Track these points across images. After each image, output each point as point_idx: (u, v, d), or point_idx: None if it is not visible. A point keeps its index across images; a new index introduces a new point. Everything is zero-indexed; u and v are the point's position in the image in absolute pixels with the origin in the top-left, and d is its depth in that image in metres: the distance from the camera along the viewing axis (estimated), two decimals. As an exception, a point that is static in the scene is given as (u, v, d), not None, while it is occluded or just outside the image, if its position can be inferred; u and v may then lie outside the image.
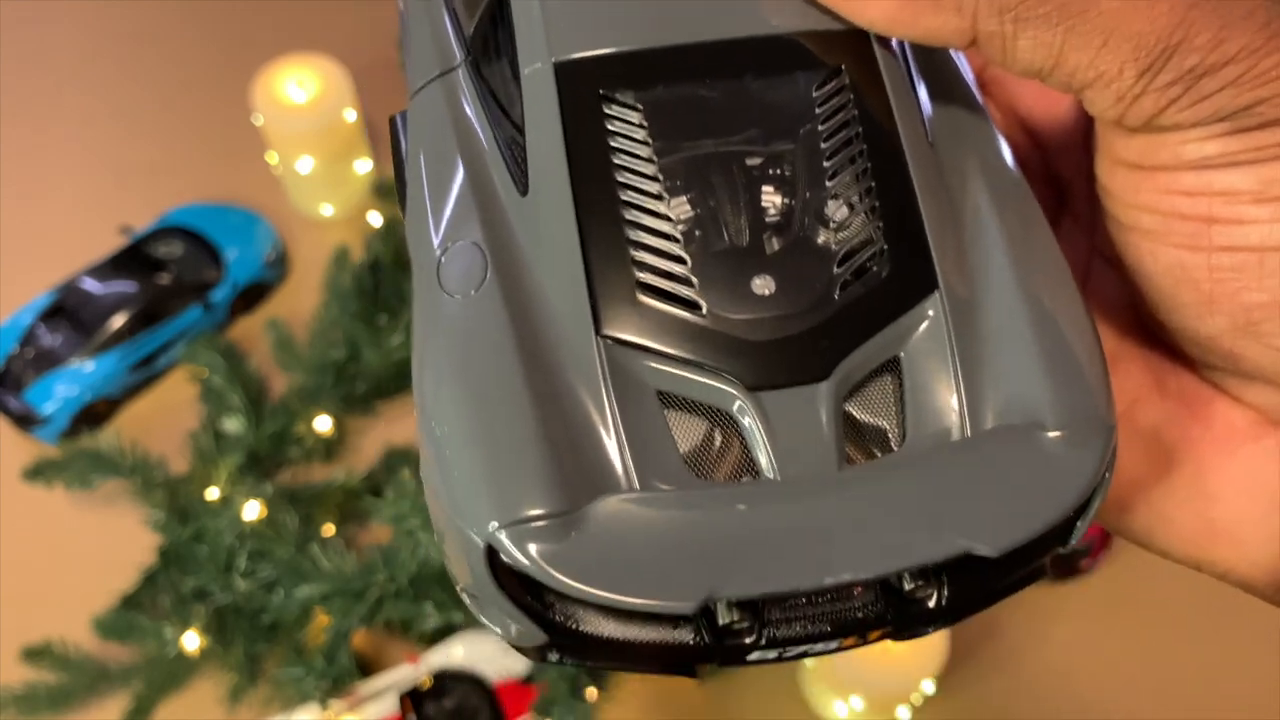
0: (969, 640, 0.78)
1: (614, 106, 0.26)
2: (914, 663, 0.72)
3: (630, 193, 0.25)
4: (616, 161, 0.26)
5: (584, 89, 0.26)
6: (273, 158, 1.01)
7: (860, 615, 0.23)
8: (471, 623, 0.81)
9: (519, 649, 0.25)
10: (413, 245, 0.26)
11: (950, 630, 0.73)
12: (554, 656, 0.24)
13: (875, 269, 0.25)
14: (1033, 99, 0.32)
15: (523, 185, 0.25)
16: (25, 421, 0.90)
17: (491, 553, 0.22)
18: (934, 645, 0.73)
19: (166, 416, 0.93)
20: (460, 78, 0.28)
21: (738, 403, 0.24)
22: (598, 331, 0.24)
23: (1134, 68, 0.23)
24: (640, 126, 0.26)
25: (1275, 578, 0.29)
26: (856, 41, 0.26)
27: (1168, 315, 0.28)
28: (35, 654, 0.80)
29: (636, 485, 0.23)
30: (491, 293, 0.24)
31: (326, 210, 1.05)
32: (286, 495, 0.86)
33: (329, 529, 0.87)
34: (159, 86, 1.14)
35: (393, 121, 0.28)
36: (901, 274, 0.25)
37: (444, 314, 0.24)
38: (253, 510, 0.83)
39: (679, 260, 0.25)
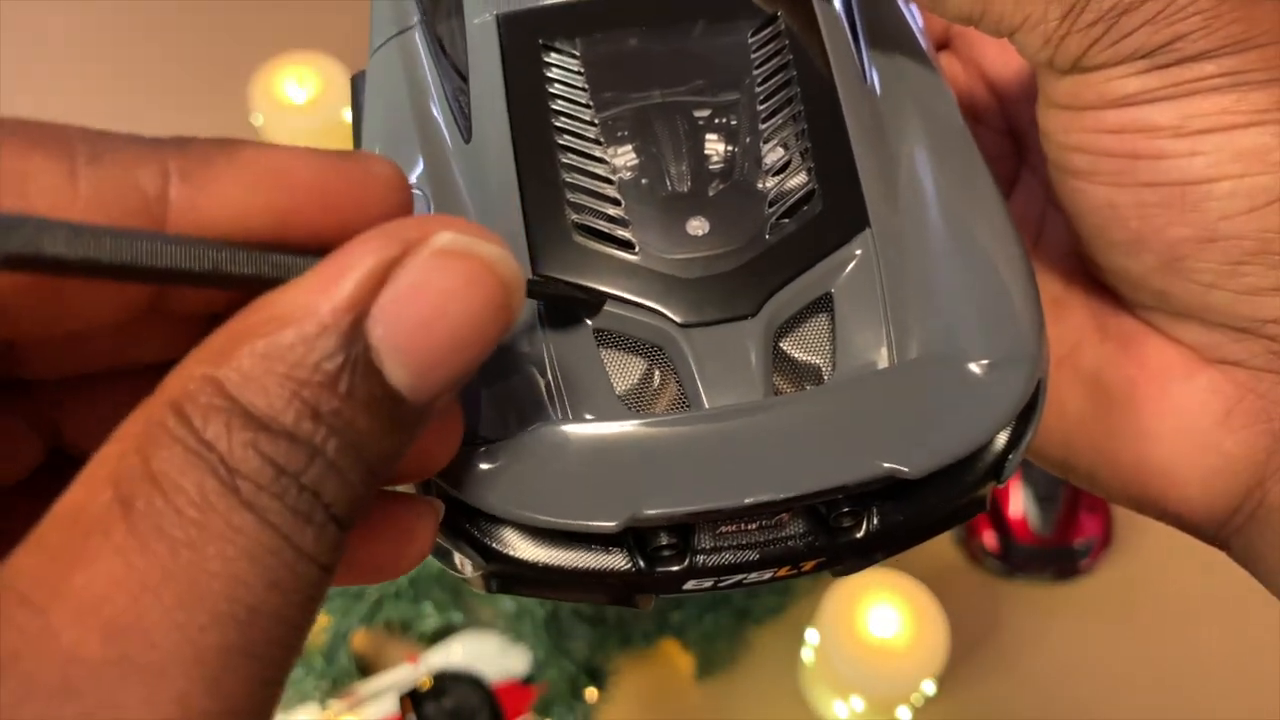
0: (969, 640, 0.78)
1: (554, 55, 0.27)
2: (914, 663, 0.72)
3: (568, 137, 0.26)
4: (555, 108, 0.27)
5: (526, 39, 0.27)
6: (272, 157, 1.01)
7: (790, 545, 0.24)
8: (471, 623, 0.81)
9: (467, 581, 0.26)
10: None
11: (950, 630, 0.73)
12: (495, 586, 0.25)
13: (806, 209, 0.26)
14: (994, 54, 0.33)
15: (466, 133, 0.26)
16: (24, 421, 0.90)
17: (426, 482, 0.23)
18: (934, 645, 0.73)
19: (166, 416, 0.93)
20: (415, 36, 0.29)
21: (670, 338, 0.24)
22: (535, 270, 0.24)
23: (1058, 8, 0.24)
24: (579, 74, 0.27)
25: (1209, 515, 0.29)
26: None
27: (1102, 255, 0.29)
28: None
29: (570, 418, 0.23)
30: None
31: (326, 210, 1.05)
32: (286, 495, 0.86)
33: (328, 529, 0.87)
34: (157, 85, 1.14)
35: (354, 80, 0.30)
36: (832, 213, 0.25)
37: None
38: (252, 510, 0.83)
39: (614, 202, 0.26)
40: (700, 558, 0.24)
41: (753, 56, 0.27)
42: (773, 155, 0.26)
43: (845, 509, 0.24)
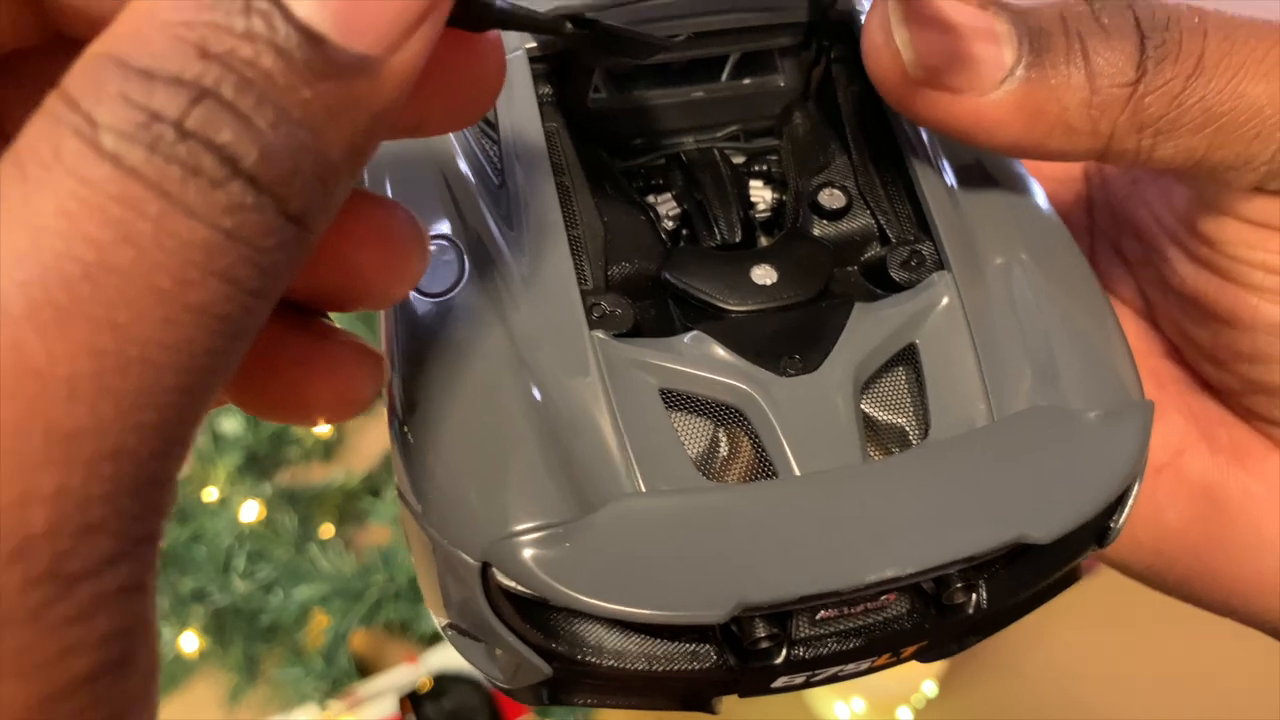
0: (969, 640, 0.78)
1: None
2: (914, 663, 0.72)
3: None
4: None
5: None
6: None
7: (896, 627, 0.21)
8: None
9: (509, 692, 0.22)
10: None
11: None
12: (548, 695, 0.22)
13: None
14: None
15: (498, 178, 0.23)
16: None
17: (486, 574, 0.20)
18: (934, 646, 0.73)
19: (165, 417, 0.93)
20: None
21: (748, 397, 0.21)
22: (592, 327, 0.21)
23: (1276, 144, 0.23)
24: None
25: None
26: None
27: (1253, 368, 0.28)
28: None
29: (642, 489, 0.20)
30: (471, 291, 0.22)
31: (325, 210, 1.05)
32: (285, 496, 0.86)
33: (328, 530, 0.86)
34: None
35: None
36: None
37: (420, 316, 0.22)
38: (251, 511, 0.83)
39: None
40: (799, 649, 0.21)
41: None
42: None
43: (959, 584, 0.21)
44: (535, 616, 0.20)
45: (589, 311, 0.22)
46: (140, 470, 0.14)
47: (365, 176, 0.24)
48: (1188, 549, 0.29)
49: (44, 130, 0.14)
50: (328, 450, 0.92)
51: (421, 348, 0.22)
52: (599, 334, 0.21)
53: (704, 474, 0.21)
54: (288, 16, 0.14)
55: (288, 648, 0.81)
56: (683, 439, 0.21)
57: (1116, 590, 0.84)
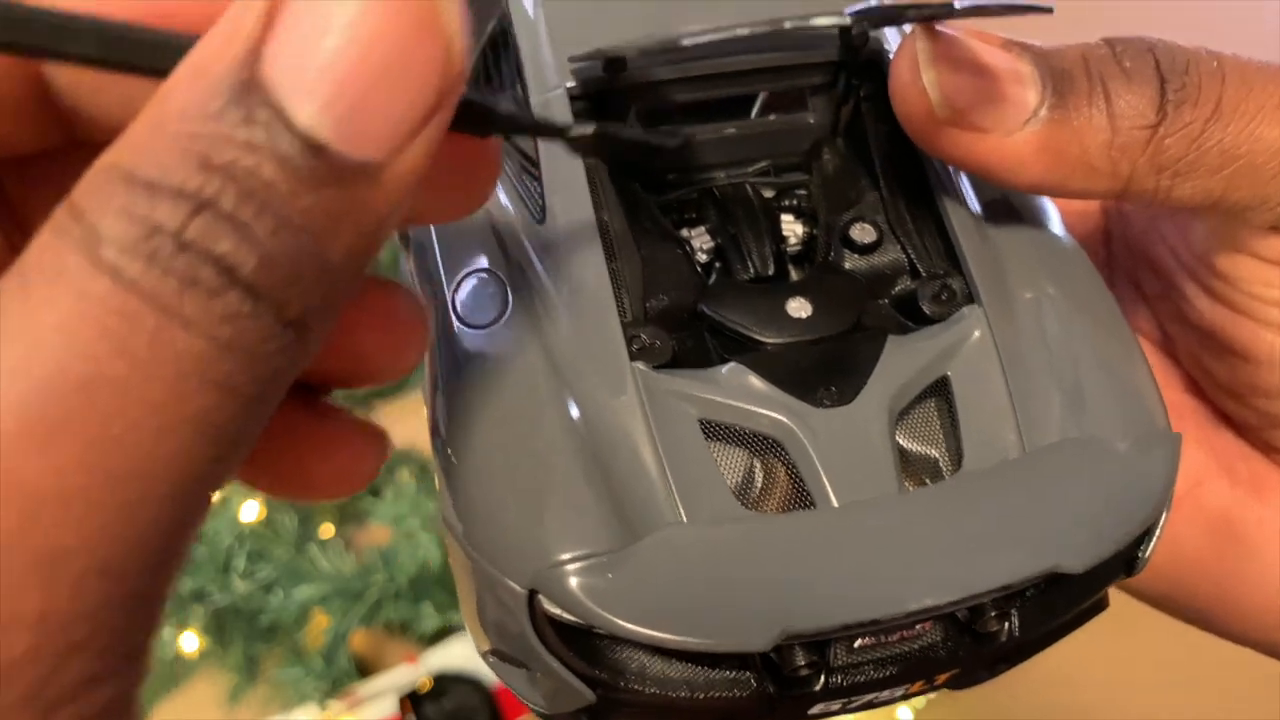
0: (969, 641, 0.78)
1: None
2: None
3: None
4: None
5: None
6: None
7: (931, 655, 0.22)
8: (471, 623, 0.81)
9: (549, 718, 0.23)
10: (420, 279, 0.25)
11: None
12: None
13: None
14: None
15: (539, 213, 0.24)
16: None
17: (533, 601, 0.20)
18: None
19: (165, 417, 0.93)
20: None
21: (786, 428, 0.22)
22: (632, 359, 0.22)
23: None
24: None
25: None
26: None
27: (1270, 403, 0.28)
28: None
29: (684, 519, 0.21)
30: (515, 323, 0.23)
31: (325, 210, 1.05)
32: (285, 496, 0.86)
33: (328, 530, 0.86)
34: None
35: None
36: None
37: (467, 348, 0.23)
38: (251, 511, 0.83)
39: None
40: (836, 676, 0.21)
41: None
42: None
43: (993, 612, 0.21)
44: (580, 643, 0.21)
45: (629, 343, 0.22)
46: (130, 586, 0.14)
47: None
48: (1205, 578, 0.29)
49: (49, 243, 0.14)
50: (328, 450, 0.92)
51: (466, 378, 0.22)
52: (639, 365, 0.22)
53: (743, 503, 0.21)
54: (288, 125, 0.14)
55: (288, 648, 0.81)
56: (722, 468, 0.22)
57: (1117, 591, 0.84)
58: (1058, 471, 0.22)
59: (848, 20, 0.20)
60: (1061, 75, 0.22)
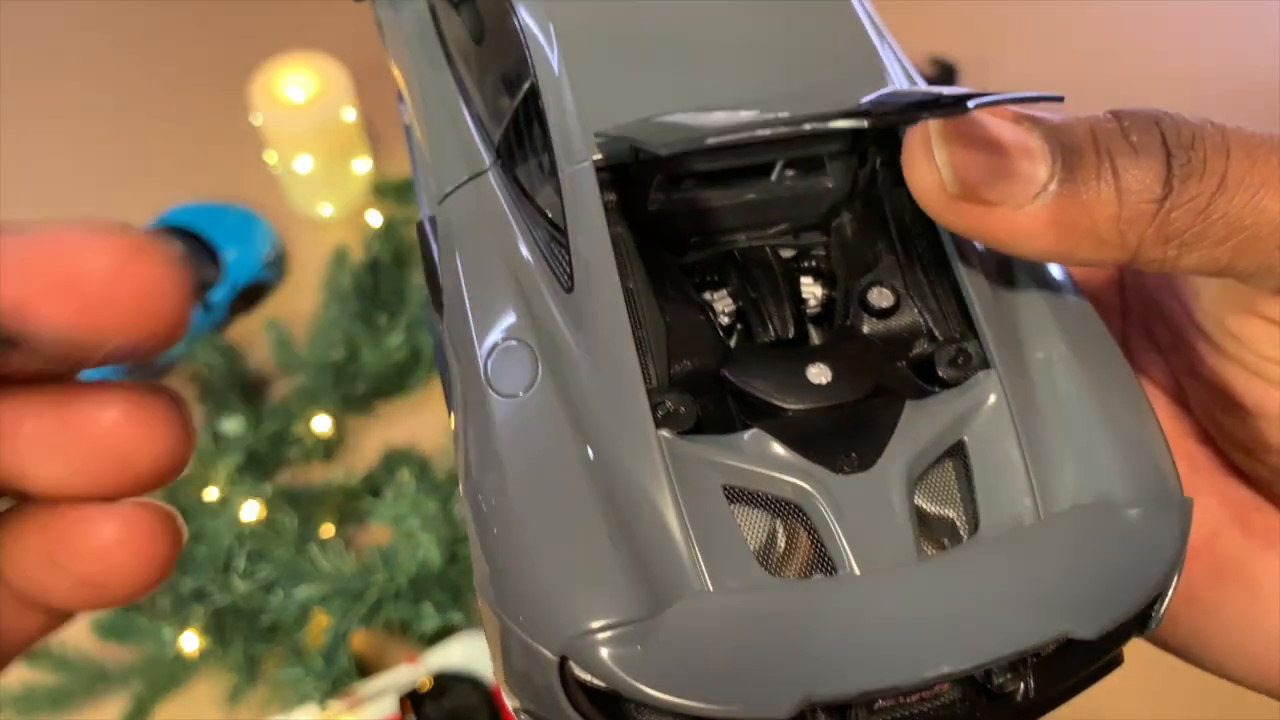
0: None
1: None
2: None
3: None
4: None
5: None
6: (272, 157, 1.01)
7: (947, 714, 0.22)
8: (471, 623, 0.81)
9: None
10: (455, 346, 0.26)
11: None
12: None
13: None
14: None
15: (568, 283, 0.25)
16: (24, 422, 0.90)
17: (564, 667, 0.21)
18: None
19: (165, 417, 0.92)
20: (491, 180, 0.27)
21: (807, 494, 0.23)
22: (658, 425, 0.23)
23: None
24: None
25: None
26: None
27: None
28: (34, 654, 0.80)
29: (709, 586, 0.21)
30: (545, 391, 0.23)
31: (325, 210, 1.05)
32: (285, 496, 0.86)
33: (328, 529, 0.86)
34: (158, 86, 1.14)
35: (420, 227, 0.28)
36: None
37: (498, 416, 0.23)
38: (252, 511, 0.83)
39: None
40: None
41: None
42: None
43: (1009, 674, 0.22)
44: (609, 708, 0.21)
45: (654, 410, 0.23)
46: None
47: (459, 272, 0.26)
48: (1217, 626, 0.30)
49: None
50: (328, 450, 0.92)
51: (496, 446, 0.23)
52: (665, 433, 0.23)
53: (765, 566, 0.22)
54: None
55: (288, 648, 0.81)
56: (745, 531, 0.22)
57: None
58: (1070, 539, 0.23)
59: (864, 124, 0.20)
60: (1071, 150, 0.23)
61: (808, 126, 0.21)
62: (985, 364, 0.24)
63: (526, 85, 0.27)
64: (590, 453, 0.22)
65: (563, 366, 0.24)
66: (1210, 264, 0.24)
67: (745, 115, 0.23)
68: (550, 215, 0.26)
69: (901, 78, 0.27)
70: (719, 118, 0.24)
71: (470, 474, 0.23)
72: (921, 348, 0.25)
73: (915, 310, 0.25)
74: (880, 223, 0.26)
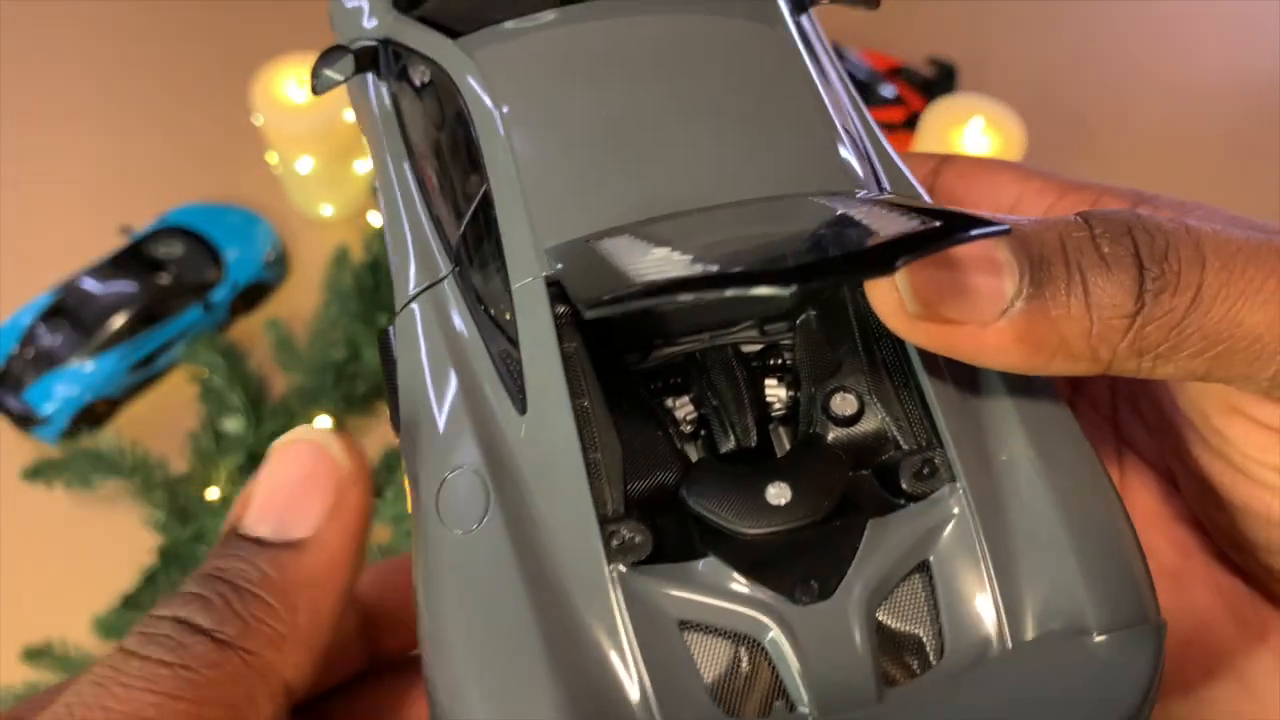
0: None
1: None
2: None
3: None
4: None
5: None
6: (273, 158, 1.01)
7: None
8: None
9: None
10: (409, 468, 0.25)
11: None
12: None
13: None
14: None
15: (520, 403, 0.24)
16: (25, 421, 0.90)
17: None
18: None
19: (166, 416, 0.93)
20: (448, 289, 0.26)
21: (764, 627, 0.22)
22: (610, 558, 0.22)
23: None
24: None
25: None
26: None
27: (1272, 558, 0.27)
28: (36, 654, 0.80)
29: None
30: (494, 528, 0.23)
31: (326, 210, 1.05)
32: (286, 495, 0.86)
33: (329, 529, 0.86)
34: (158, 86, 1.14)
35: (383, 335, 0.27)
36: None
37: (446, 552, 0.23)
38: (253, 510, 0.83)
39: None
40: None
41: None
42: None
43: None
44: None
45: (608, 541, 0.22)
46: None
47: (413, 394, 0.26)
48: (1208, 715, 0.29)
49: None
50: (329, 450, 0.91)
51: (447, 584, 0.23)
52: (619, 567, 0.22)
53: (723, 700, 0.22)
54: (244, 537, 0.26)
55: (289, 647, 0.81)
56: (701, 665, 0.22)
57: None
58: (1036, 673, 0.22)
59: (787, 290, 0.19)
60: (1039, 262, 0.22)
61: (729, 291, 0.19)
62: (952, 476, 0.23)
63: (481, 192, 0.26)
64: (540, 592, 0.22)
65: (514, 497, 0.23)
66: (1187, 374, 0.23)
67: (680, 255, 0.22)
68: (505, 329, 0.25)
69: (854, 159, 0.26)
70: (656, 257, 0.22)
71: (423, 608, 0.23)
72: (887, 454, 0.25)
73: (880, 417, 0.25)
74: (845, 323, 0.26)
